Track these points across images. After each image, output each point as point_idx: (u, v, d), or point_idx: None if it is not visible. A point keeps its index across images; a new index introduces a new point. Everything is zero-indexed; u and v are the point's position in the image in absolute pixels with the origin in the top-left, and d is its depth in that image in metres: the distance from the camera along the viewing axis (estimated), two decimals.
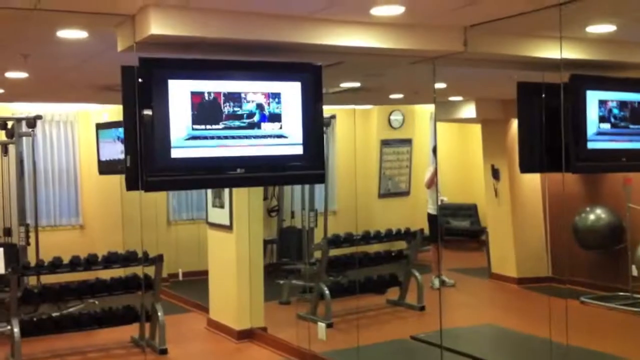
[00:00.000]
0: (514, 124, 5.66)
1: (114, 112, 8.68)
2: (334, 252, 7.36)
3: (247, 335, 6.83)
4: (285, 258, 9.46)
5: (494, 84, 6.91)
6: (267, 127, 3.88)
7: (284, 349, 6.42)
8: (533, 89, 4.74)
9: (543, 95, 4.69)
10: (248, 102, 3.82)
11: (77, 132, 9.41)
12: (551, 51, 4.63)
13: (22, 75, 5.81)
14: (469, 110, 8.50)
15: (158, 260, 6.46)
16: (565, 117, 4.55)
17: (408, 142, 10.67)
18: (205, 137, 3.73)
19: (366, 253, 7.68)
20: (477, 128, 9.49)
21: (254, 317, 6.90)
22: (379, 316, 7.67)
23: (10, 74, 5.77)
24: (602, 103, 4.68)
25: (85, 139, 9.28)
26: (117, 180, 8.42)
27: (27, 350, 6.13)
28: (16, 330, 5.98)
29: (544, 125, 4.68)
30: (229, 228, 6.93)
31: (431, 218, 8.71)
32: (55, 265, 6.23)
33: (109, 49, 4.25)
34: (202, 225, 8.11)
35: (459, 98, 8.35)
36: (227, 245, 6.97)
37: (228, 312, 7.05)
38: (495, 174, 8.85)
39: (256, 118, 3.84)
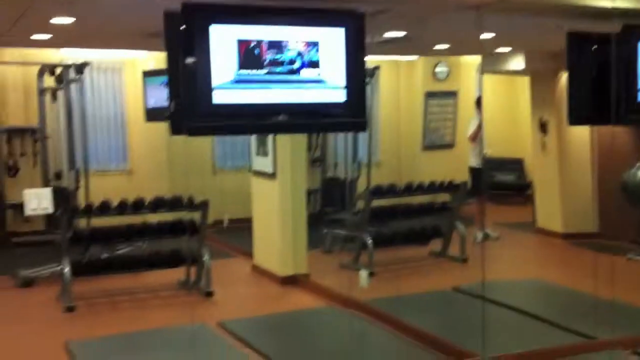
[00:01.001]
0: (564, 76, 5.53)
1: (160, 59, 8.73)
2: (377, 202, 7.37)
3: (290, 281, 6.94)
4: (329, 207, 9.51)
5: (543, 35, 6.72)
6: (306, 73, 3.87)
7: (326, 295, 6.52)
8: (584, 39, 4.60)
9: (594, 46, 4.55)
10: (289, 49, 3.81)
11: (124, 79, 9.52)
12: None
13: (69, 20, 5.86)
14: (517, 62, 8.33)
15: (203, 205, 6.57)
16: (617, 69, 4.43)
17: (453, 94, 10.52)
18: (250, 81, 3.74)
19: (409, 204, 7.67)
20: (524, 80, 9.31)
21: (297, 263, 7.00)
22: (421, 267, 7.70)
23: (56, 20, 5.82)
24: None
25: (133, 86, 9.39)
26: (164, 128, 8.50)
27: (77, 289, 6.34)
28: (66, 270, 6.19)
29: (595, 76, 4.56)
30: (272, 176, 6.99)
31: (473, 171, 8.63)
32: (104, 208, 6.38)
33: None
34: (247, 174, 8.19)
35: (507, 49, 8.17)
36: (271, 192, 7.04)
37: (272, 258, 7.16)
38: (543, 127, 8.70)
39: (296, 65, 3.83)
